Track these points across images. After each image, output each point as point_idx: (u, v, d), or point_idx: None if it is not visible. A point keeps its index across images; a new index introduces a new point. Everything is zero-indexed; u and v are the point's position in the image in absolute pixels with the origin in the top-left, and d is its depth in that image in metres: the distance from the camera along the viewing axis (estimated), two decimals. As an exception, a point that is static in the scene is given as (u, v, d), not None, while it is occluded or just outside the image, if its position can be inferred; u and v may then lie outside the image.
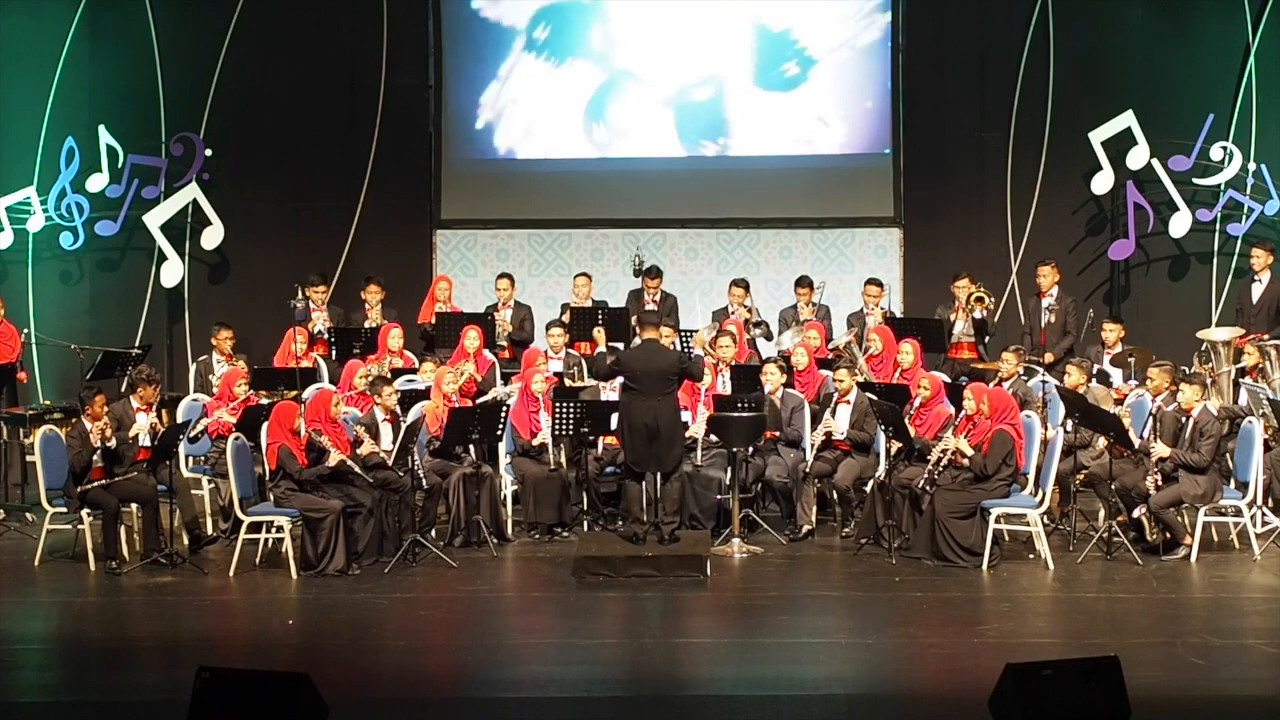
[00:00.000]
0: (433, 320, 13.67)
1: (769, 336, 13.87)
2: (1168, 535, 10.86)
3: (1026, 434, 11.05)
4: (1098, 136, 14.69)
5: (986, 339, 13.67)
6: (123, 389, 12.94)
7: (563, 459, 11.76)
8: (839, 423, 11.73)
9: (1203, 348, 13.21)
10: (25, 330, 14.02)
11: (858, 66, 15.30)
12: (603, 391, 12.07)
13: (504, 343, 13.75)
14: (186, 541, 11.29)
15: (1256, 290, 13.69)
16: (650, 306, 14.01)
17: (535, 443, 11.75)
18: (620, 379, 11.21)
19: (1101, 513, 11.45)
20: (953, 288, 13.67)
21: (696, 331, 13.41)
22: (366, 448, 11.03)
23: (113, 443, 10.94)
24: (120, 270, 15.37)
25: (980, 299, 13.47)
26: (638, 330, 11.58)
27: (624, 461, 11.14)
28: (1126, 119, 14.64)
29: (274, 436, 10.78)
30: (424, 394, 12.04)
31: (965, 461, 10.81)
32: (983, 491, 10.73)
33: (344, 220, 15.38)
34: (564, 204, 15.55)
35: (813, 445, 11.79)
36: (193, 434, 11.59)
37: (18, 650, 9.29)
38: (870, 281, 13.89)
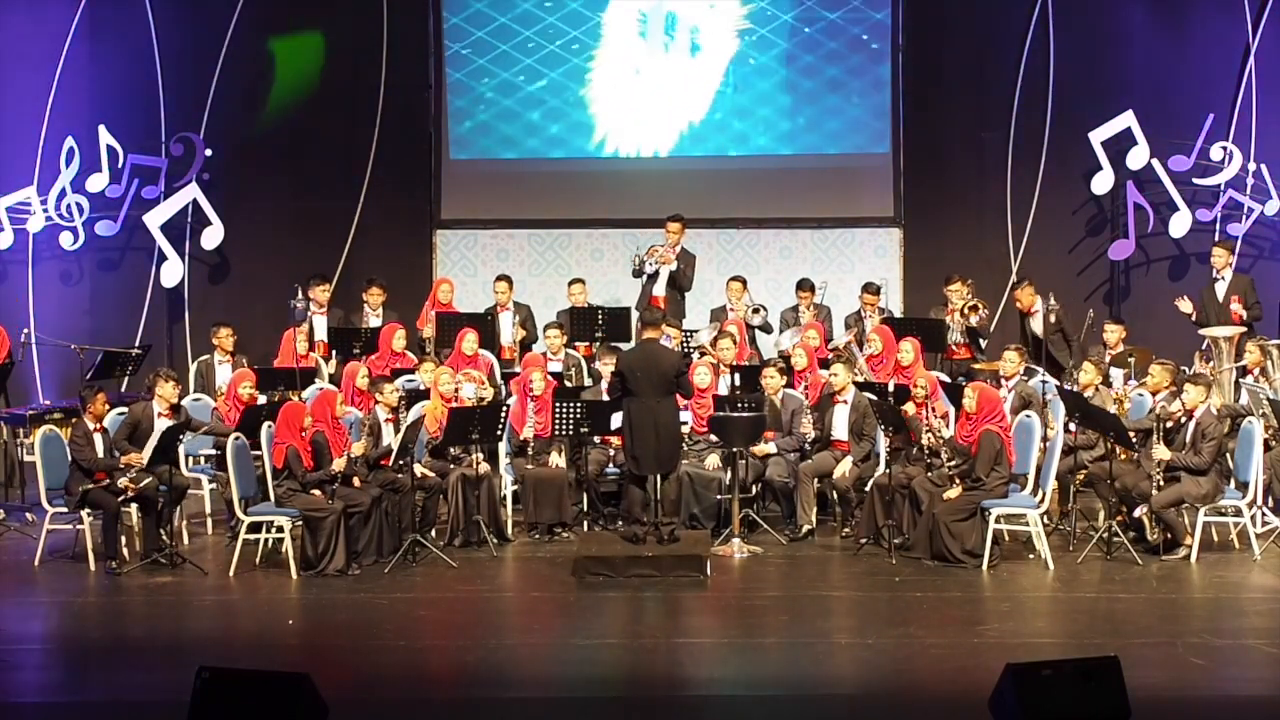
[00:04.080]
0: (430, 326, 13.62)
1: (768, 329, 13.87)
2: (1168, 535, 10.86)
3: (1027, 434, 11.05)
4: (1098, 136, 14.70)
5: (982, 343, 13.67)
6: (144, 386, 12.87)
7: (562, 460, 11.76)
8: (837, 424, 11.72)
9: (1204, 345, 13.21)
10: (25, 330, 14.00)
11: (858, 66, 15.30)
12: (605, 392, 12.05)
13: (508, 343, 13.72)
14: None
15: (1220, 289, 13.69)
16: (643, 261, 13.91)
17: (520, 438, 11.75)
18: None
19: (1101, 513, 11.44)
20: (945, 290, 13.65)
21: (697, 332, 13.41)
22: (359, 448, 11.03)
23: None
24: (120, 270, 15.38)
25: (974, 308, 13.46)
26: (639, 328, 11.60)
27: (626, 465, 11.13)
28: (1126, 119, 14.65)
29: (282, 436, 10.77)
30: (424, 394, 12.04)
31: (940, 444, 10.84)
32: (982, 492, 10.74)
33: (344, 220, 15.40)
34: (564, 204, 15.56)
35: (804, 436, 11.79)
36: (203, 432, 11.67)
37: (18, 650, 9.28)
38: (866, 288, 13.86)
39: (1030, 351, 13.54)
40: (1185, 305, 13.71)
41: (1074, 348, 13.57)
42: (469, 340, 12.75)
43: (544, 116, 15.46)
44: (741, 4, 15.33)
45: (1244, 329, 13.21)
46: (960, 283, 13.57)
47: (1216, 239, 14.45)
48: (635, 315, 13.61)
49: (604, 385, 11.99)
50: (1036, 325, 13.65)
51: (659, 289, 14.05)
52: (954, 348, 13.58)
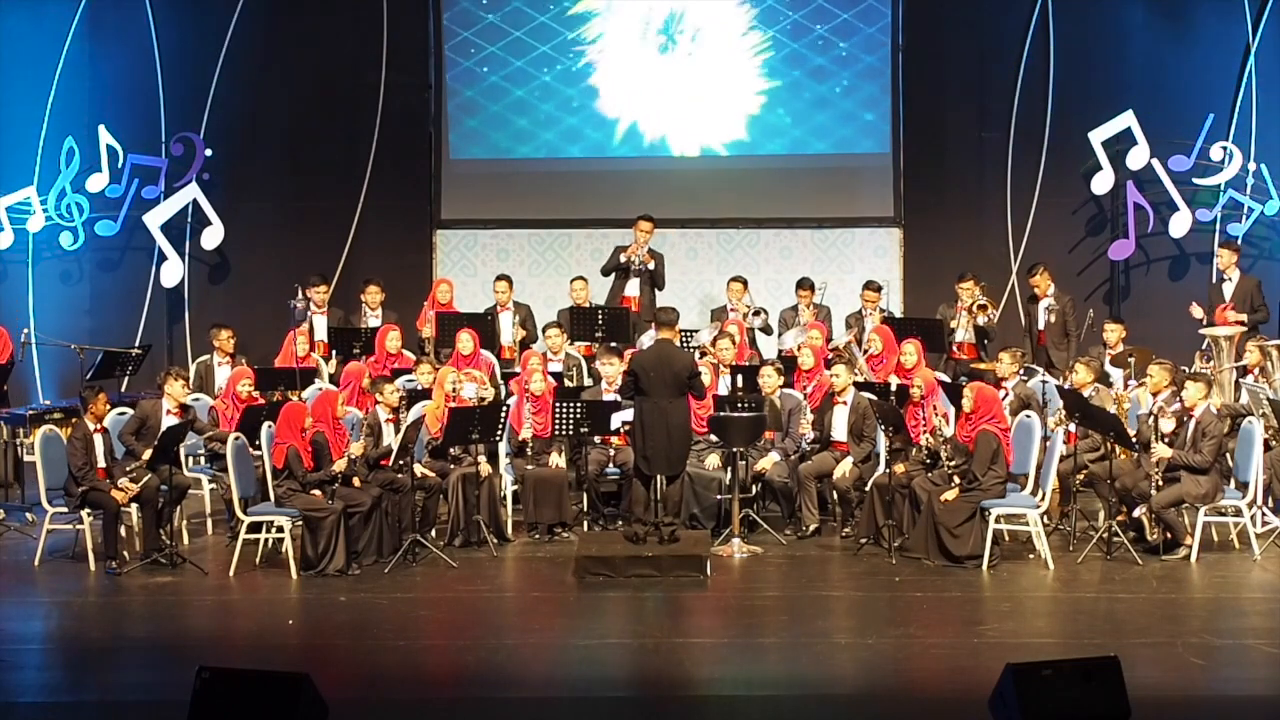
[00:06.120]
0: (429, 326, 13.61)
1: (768, 330, 13.88)
2: (1168, 535, 10.86)
3: (1027, 434, 11.05)
4: (1098, 136, 14.71)
5: (987, 342, 13.67)
6: (155, 384, 12.89)
7: (562, 460, 11.76)
8: (836, 425, 11.72)
9: (1204, 345, 13.21)
10: (25, 330, 14.00)
11: (858, 67, 15.30)
12: (605, 393, 12.05)
13: (508, 343, 13.71)
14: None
15: (1228, 289, 13.70)
16: (637, 260, 13.97)
17: (520, 438, 11.76)
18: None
19: (1101, 513, 11.44)
20: (957, 287, 13.65)
21: (697, 332, 13.41)
22: (357, 448, 11.03)
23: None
24: (120, 270, 15.39)
25: (983, 307, 13.47)
26: (654, 328, 11.63)
27: (634, 464, 11.13)
28: (1126, 119, 14.66)
29: (282, 436, 10.76)
30: (424, 394, 12.04)
31: (941, 443, 10.84)
32: (980, 493, 10.74)
33: (344, 220, 15.40)
34: (564, 204, 15.57)
35: (802, 436, 11.79)
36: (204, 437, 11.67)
37: (18, 650, 9.29)
38: (868, 285, 13.88)
39: (1031, 343, 13.60)
40: (1197, 311, 13.70)
41: (1073, 344, 13.58)
42: (464, 340, 12.74)
43: (543, 117, 15.46)
44: (741, 5, 15.33)
45: (1244, 329, 13.21)
46: (973, 281, 13.59)
47: (1219, 240, 14.45)
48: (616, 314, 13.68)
49: (604, 385, 12.00)
50: (1040, 316, 13.69)
51: (631, 289, 14.09)
52: (959, 347, 13.58)
